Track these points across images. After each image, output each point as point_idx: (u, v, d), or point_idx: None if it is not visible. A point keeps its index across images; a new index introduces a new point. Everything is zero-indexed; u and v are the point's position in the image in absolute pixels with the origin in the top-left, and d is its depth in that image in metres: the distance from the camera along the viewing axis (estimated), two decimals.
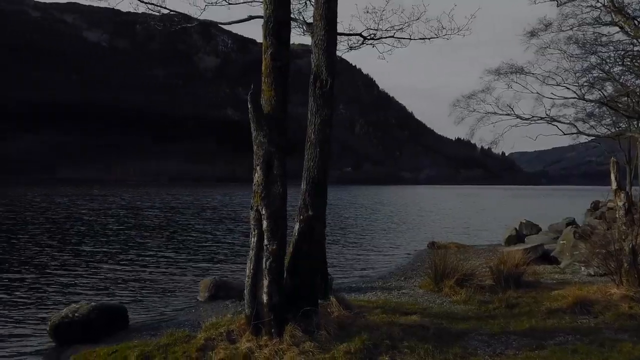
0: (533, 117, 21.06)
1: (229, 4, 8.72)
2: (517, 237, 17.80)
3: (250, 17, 8.33)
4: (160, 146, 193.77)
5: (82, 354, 6.13)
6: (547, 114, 20.99)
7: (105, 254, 16.15)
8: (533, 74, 20.50)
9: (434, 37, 9.98)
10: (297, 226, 6.61)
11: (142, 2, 8.18)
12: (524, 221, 19.39)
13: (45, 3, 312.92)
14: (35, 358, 6.93)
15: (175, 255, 16.25)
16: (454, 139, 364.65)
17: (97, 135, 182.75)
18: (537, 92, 20.74)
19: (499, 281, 9.18)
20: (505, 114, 21.07)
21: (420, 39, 9.89)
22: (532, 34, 18.86)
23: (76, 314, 7.36)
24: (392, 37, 9.76)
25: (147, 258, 15.44)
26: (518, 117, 20.96)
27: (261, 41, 6.28)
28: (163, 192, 75.63)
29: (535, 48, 19.36)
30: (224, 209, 40.53)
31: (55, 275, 12.56)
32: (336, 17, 6.86)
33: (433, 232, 23.61)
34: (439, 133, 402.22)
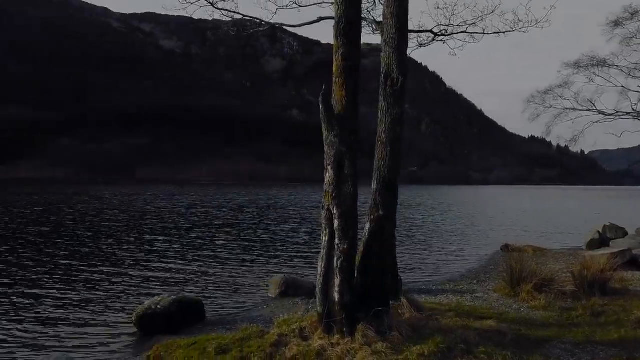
0: (617, 112, 19.52)
1: (299, 6, 8.88)
2: (600, 241, 16.62)
3: (320, 19, 8.42)
4: (231, 147, 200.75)
5: (165, 344, 6.47)
6: (633, 109, 19.35)
7: (178, 250, 16.97)
8: (617, 66, 18.99)
9: (510, 31, 9.55)
10: (367, 226, 6.60)
11: (217, 8, 8.53)
12: (608, 224, 18.05)
13: (125, 14, 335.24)
14: (122, 346, 7.43)
15: (244, 252, 16.75)
16: (527, 137, 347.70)
17: (173, 138, 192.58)
18: (622, 86, 19.21)
19: (582, 287, 8.63)
20: (586, 110, 19.68)
21: (495, 33, 9.49)
22: (617, 23, 17.49)
23: (158, 306, 7.81)
24: (464, 32, 9.46)
25: (217, 255, 16.05)
26: (600, 112, 19.50)
27: (326, 42, 6.39)
28: (232, 192, 78.33)
29: (619, 38, 17.93)
30: (289, 208, 41.25)
31: (133, 269, 13.38)
32: (407, 14, 6.78)
33: (506, 235, 22.65)
34: (511, 131, 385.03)
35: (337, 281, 5.97)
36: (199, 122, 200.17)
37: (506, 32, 9.56)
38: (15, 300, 9.94)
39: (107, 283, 11.59)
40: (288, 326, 6.39)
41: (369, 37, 9.63)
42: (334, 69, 6.20)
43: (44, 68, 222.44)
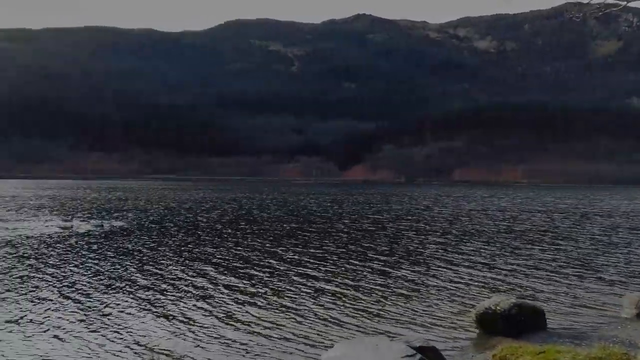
0: None
1: None
2: None
3: None
4: (549, 145, 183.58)
5: (511, 347, 6.41)
6: None
7: (498, 252, 16.56)
8: None
9: None
10: None
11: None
12: None
13: (441, 23, 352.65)
14: (465, 339, 7.78)
15: (578, 262, 14.92)
16: None
17: (487, 139, 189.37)
18: None
19: None
20: None
21: None
22: None
23: (497, 308, 7.81)
24: None
25: (548, 261, 14.85)
26: None
27: None
28: (549, 194, 71.35)
29: None
30: (620, 215, 34.42)
31: (457, 267, 13.82)
32: None
33: None
34: None
35: None
36: (514, 121, 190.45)
37: None
38: (354, 284, 11.74)
39: (437, 279, 12.32)
40: None
41: None
42: None
43: (365, 85, 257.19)
